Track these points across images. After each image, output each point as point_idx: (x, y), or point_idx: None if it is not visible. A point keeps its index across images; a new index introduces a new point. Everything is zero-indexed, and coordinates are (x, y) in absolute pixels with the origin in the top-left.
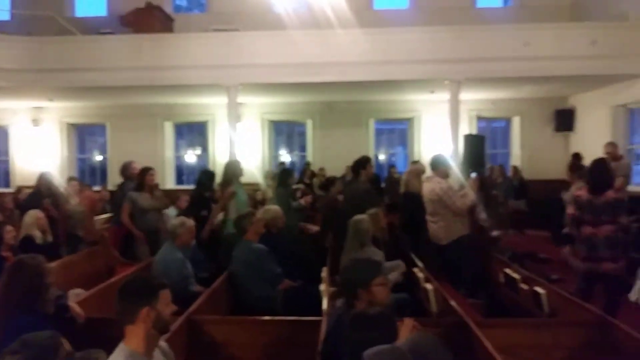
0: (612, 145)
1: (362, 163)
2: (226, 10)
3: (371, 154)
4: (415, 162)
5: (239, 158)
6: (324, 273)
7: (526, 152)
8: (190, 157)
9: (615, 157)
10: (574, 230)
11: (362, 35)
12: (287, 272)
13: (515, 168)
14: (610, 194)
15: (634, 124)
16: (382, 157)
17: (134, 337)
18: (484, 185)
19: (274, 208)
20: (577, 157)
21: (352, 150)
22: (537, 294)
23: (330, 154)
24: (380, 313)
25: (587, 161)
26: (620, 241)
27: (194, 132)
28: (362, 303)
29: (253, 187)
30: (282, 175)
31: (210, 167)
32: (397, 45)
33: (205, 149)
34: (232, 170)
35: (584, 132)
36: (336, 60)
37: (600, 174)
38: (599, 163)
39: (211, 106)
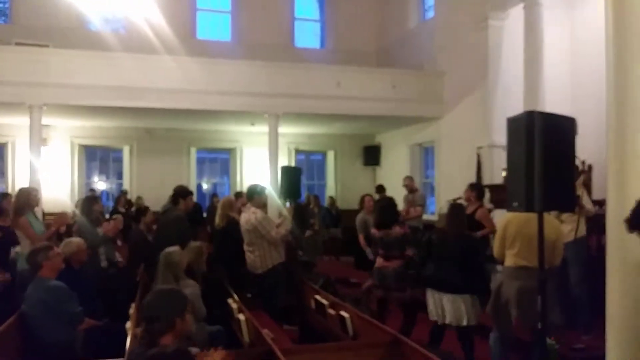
0: (409, 178)
1: (182, 193)
2: (34, 24)
3: (193, 183)
4: (239, 194)
5: (43, 184)
6: (132, 309)
7: (339, 184)
8: None
9: (412, 189)
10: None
11: (184, 63)
12: (91, 310)
13: (331, 198)
14: (397, 230)
15: (428, 160)
16: (205, 186)
17: None
18: (300, 214)
19: (75, 240)
20: (380, 188)
21: (172, 178)
22: (342, 317)
23: (150, 182)
24: (176, 351)
25: (390, 192)
26: (407, 273)
27: None
28: (169, 337)
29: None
30: (84, 204)
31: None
32: (219, 76)
33: (2, 173)
34: (25, 199)
35: (388, 166)
36: (157, 86)
37: (385, 211)
38: (384, 201)
39: (12, 127)
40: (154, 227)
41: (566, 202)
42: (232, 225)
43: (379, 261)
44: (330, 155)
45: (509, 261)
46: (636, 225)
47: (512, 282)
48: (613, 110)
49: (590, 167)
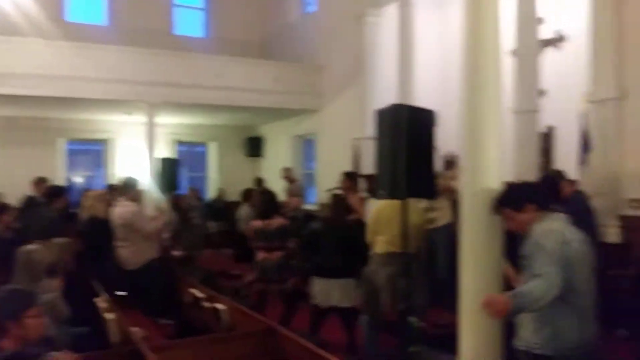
0: (287, 170)
1: (56, 191)
2: None
3: (62, 176)
4: (112, 187)
5: None
6: None
7: (223, 176)
8: None
9: (291, 180)
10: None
11: (53, 47)
12: None
13: (221, 190)
14: (278, 221)
15: (309, 152)
16: (78, 179)
17: None
18: (179, 207)
19: None
20: (259, 180)
21: (39, 171)
22: (217, 310)
23: (13, 176)
24: (11, 356)
25: (273, 183)
26: (288, 264)
27: None
28: (12, 340)
29: None
30: None
31: None
32: (92, 61)
33: None
34: None
35: (271, 158)
36: (21, 72)
37: (267, 202)
38: (266, 193)
39: None
40: (17, 224)
41: (428, 189)
42: (103, 221)
43: (261, 254)
44: (213, 147)
45: (380, 248)
46: (510, 204)
47: (382, 267)
48: (467, 105)
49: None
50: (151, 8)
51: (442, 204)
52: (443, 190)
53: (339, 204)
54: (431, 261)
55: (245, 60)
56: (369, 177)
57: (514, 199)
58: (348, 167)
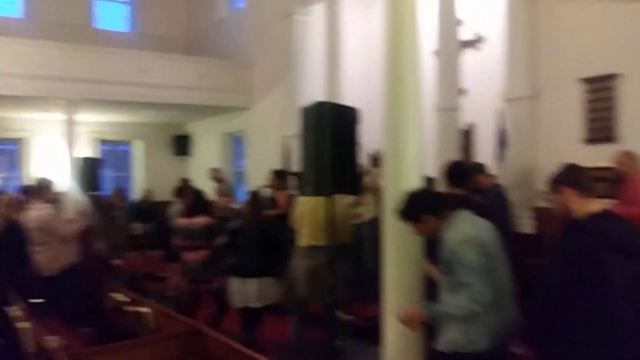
0: (214, 170)
1: None
2: None
3: None
4: (27, 188)
5: None
6: None
7: (150, 175)
8: None
9: (219, 180)
10: None
11: None
12: None
13: (148, 190)
14: (204, 219)
15: (238, 150)
16: None
17: None
18: (101, 208)
19: None
20: (185, 182)
21: None
22: (141, 314)
23: None
24: None
25: (201, 182)
26: (214, 263)
27: None
28: None
29: None
30: None
31: None
32: (5, 56)
33: None
34: None
35: (199, 156)
36: None
37: (194, 200)
38: (192, 190)
39: None
40: None
41: (352, 185)
42: (15, 225)
43: (185, 254)
44: (138, 146)
45: (301, 241)
46: (409, 217)
47: (303, 261)
48: (388, 103)
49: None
50: (70, 0)
51: (369, 199)
52: (369, 187)
53: (257, 201)
54: (358, 255)
55: (172, 57)
56: (298, 175)
57: (410, 212)
58: (278, 165)
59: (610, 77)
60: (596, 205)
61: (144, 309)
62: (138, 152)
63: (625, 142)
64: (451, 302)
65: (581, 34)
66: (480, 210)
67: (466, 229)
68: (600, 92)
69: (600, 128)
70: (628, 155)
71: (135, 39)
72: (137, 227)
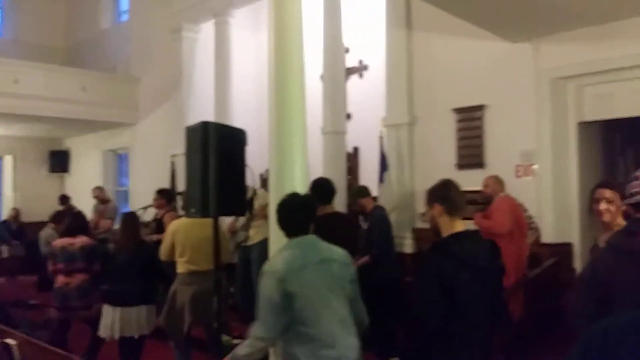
0: (98, 189)
1: None
2: None
3: None
4: None
5: None
6: None
7: (20, 193)
8: None
9: (103, 200)
10: None
11: None
12: None
13: (16, 210)
14: (83, 240)
15: (122, 168)
16: None
17: None
18: None
19: None
20: (64, 198)
21: None
22: (7, 345)
23: None
24: None
25: (80, 201)
26: (92, 289)
27: None
28: None
29: None
30: None
31: None
32: None
33: None
34: None
35: (79, 174)
36: None
37: (72, 219)
38: (71, 207)
39: None
40: None
41: (238, 207)
42: None
43: (60, 278)
44: (8, 161)
45: (181, 268)
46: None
47: (186, 287)
48: (274, 126)
49: None
50: None
51: (259, 222)
52: (260, 209)
53: (132, 224)
54: (247, 277)
55: (48, 67)
56: (183, 195)
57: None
58: (165, 184)
59: (478, 108)
60: (461, 225)
61: (10, 341)
62: (7, 168)
63: (491, 167)
64: (249, 334)
65: (453, 68)
66: (361, 232)
67: (277, 261)
68: (470, 122)
69: (470, 155)
70: (494, 179)
71: (6, 46)
72: (3, 250)
